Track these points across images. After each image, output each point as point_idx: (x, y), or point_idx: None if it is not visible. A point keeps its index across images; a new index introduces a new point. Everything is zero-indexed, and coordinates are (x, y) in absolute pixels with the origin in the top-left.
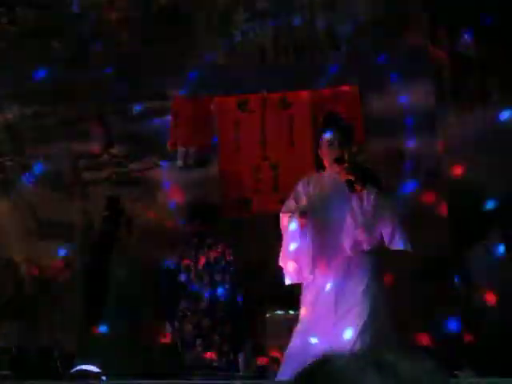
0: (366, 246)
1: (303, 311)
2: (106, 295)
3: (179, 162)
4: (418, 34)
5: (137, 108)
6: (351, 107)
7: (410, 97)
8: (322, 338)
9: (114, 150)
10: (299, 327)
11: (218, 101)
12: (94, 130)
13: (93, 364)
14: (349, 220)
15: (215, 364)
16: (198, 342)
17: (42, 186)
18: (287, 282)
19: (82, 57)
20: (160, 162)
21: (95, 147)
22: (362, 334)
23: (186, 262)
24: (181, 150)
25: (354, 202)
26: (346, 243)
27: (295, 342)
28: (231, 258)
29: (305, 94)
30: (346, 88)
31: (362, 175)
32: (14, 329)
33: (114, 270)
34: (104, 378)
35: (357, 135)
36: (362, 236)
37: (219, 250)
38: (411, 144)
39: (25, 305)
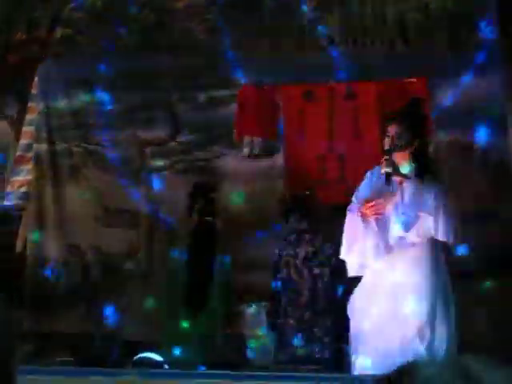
0: (412, 240)
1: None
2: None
3: (245, 152)
4: (488, 26)
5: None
6: None
7: (481, 90)
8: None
9: (181, 138)
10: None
11: (284, 90)
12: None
13: (156, 352)
14: (388, 215)
15: (318, 357)
16: (300, 336)
17: (108, 173)
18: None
19: (147, 44)
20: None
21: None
22: (422, 328)
23: (286, 258)
24: (246, 139)
25: (396, 196)
26: (391, 238)
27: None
28: (330, 251)
29: (371, 85)
30: (413, 80)
31: (419, 165)
32: (79, 315)
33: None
34: (167, 366)
35: None
36: (401, 232)
37: (317, 244)
38: (481, 138)
39: (92, 291)
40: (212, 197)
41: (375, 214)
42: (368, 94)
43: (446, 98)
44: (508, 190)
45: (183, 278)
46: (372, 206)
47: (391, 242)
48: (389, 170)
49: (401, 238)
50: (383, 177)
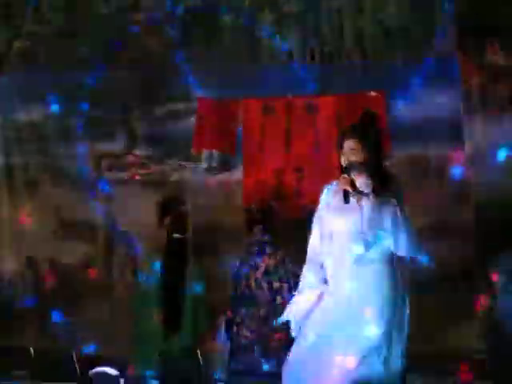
0: (371, 257)
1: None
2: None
3: (203, 165)
4: (445, 42)
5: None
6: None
7: (437, 104)
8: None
9: (138, 151)
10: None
11: (244, 104)
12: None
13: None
14: (348, 233)
15: (273, 370)
16: (257, 348)
17: (65, 186)
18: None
19: (107, 58)
20: (184, 164)
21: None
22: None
23: (246, 270)
24: (205, 152)
25: (355, 215)
26: (351, 256)
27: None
28: (290, 266)
29: (330, 99)
30: (372, 93)
31: (377, 181)
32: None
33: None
34: (122, 380)
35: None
36: (361, 250)
37: (278, 258)
38: (437, 152)
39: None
40: (181, 211)
41: None
42: (327, 108)
43: (403, 110)
44: (466, 203)
45: (154, 296)
46: None
47: (350, 259)
48: (347, 187)
49: (360, 256)
50: (341, 194)
